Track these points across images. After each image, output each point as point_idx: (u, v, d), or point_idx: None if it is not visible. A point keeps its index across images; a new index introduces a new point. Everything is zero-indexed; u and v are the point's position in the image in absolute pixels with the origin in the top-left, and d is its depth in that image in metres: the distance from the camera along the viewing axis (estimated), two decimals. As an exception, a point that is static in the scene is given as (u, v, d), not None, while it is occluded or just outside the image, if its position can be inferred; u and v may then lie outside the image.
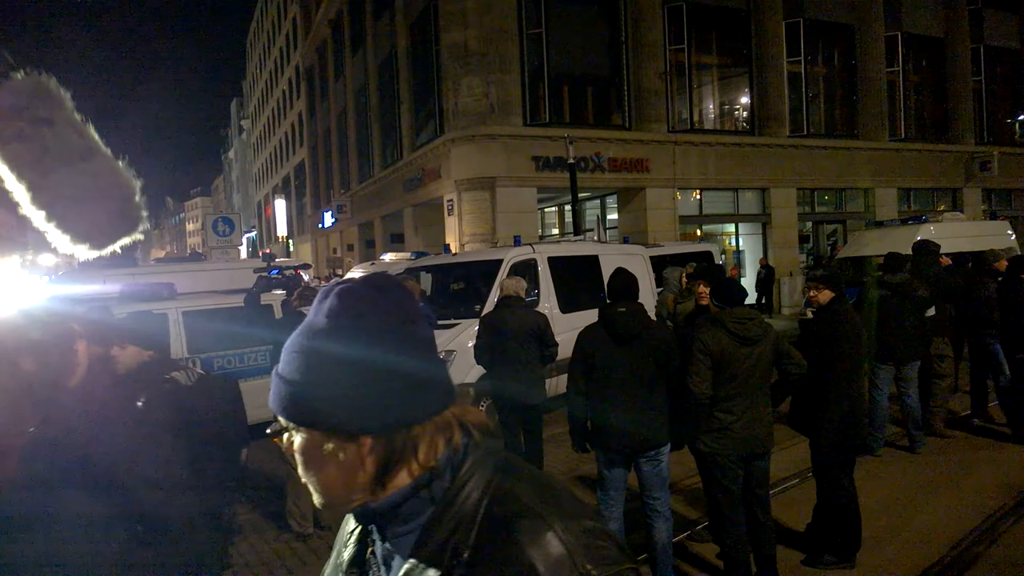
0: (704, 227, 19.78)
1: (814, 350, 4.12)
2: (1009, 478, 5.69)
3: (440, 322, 8.03)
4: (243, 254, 29.47)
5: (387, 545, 0.93)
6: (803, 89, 20.33)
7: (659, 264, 11.07)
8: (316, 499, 0.94)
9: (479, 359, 5.77)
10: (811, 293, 4.42)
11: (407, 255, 13.66)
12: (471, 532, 0.84)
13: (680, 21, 18.32)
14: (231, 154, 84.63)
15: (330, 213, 29.07)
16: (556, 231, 21.66)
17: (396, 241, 22.17)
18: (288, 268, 10.31)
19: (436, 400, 0.91)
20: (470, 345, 6.29)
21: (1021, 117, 24.66)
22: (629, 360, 3.87)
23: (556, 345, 5.77)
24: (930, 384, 6.98)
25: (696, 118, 19.34)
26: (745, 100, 20.08)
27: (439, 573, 0.84)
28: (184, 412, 2.00)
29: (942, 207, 21.71)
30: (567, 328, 7.50)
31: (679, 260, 12.95)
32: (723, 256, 18.73)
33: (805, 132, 20.16)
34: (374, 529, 0.97)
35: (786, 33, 19.68)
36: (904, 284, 6.95)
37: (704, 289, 4.65)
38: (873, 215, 20.19)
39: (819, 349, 4.12)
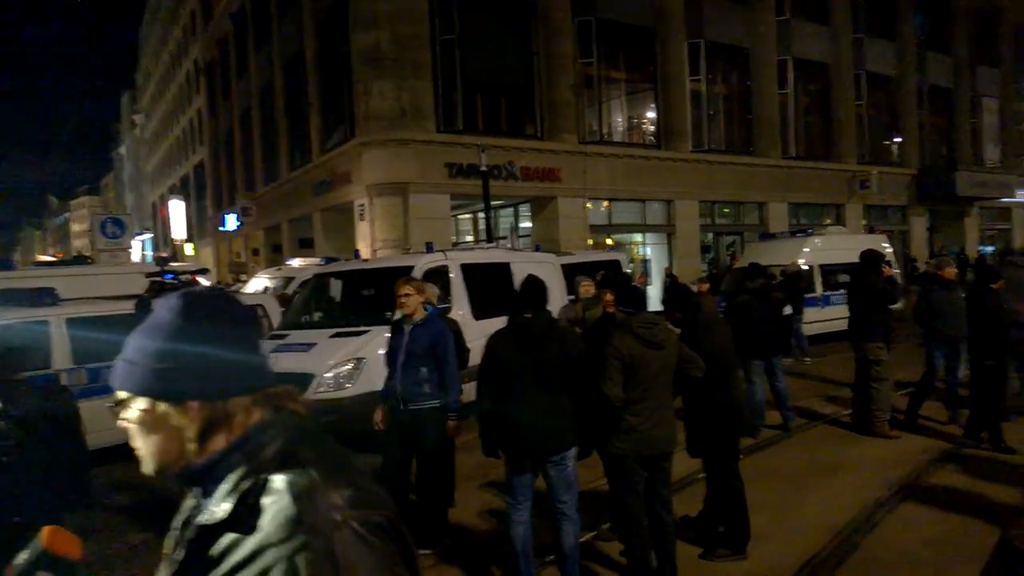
0: (613, 236, 20.37)
1: (697, 350, 4.36)
2: (887, 470, 6.15)
3: (350, 329, 7.94)
4: (136, 257, 27.90)
5: (202, 500, 1.11)
6: (704, 107, 21.35)
7: (571, 272, 11.36)
8: (147, 467, 1.14)
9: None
10: (701, 292, 4.71)
11: (316, 260, 13.37)
12: (258, 482, 1.03)
13: (589, 36, 18.85)
14: (122, 150, 79.90)
15: (234, 216, 27.98)
16: (470, 238, 21.74)
17: (305, 246, 21.60)
18: (184, 273, 9.88)
19: (250, 379, 1.14)
20: (380, 352, 6.24)
21: (898, 140, 26.80)
22: (536, 366, 3.89)
23: (467, 351, 5.81)
24: (868, 389, 7.31)
25: (605, 130, 19.93)
26: (651, 115, 20.86)
27: (228, 514, 1.02)
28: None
29: (828, 221, 23.26)
30: (480, 334, 7.52)
31: (589, 268, 13.25)
32: (631, 265, 19.39)
33: (706, 148, 21.14)
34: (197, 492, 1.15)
35: (688, 53, 20.62)
36: (761, 289, 7.79)
37: (610, 297, 4.85)
38: (767, 227, 21.38)
39: (699, 349, 4.36)
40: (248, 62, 26.78)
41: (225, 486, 1.06)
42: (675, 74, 20.28)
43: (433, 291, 5.75)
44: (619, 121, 20.84)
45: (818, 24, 23.96)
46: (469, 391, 7.71)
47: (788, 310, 8.65)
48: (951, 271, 7.91)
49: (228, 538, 1.01)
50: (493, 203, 19.84)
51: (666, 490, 4.16)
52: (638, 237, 21.23)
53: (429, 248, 9.29)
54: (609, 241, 20.20)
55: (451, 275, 8.70)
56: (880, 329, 7.30)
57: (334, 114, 19.11)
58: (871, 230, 19.54)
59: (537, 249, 13.82)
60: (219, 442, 1.10)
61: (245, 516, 1.01)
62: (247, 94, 27.33)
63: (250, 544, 0.98)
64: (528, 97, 18.42)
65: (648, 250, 21.31)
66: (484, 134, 16.88)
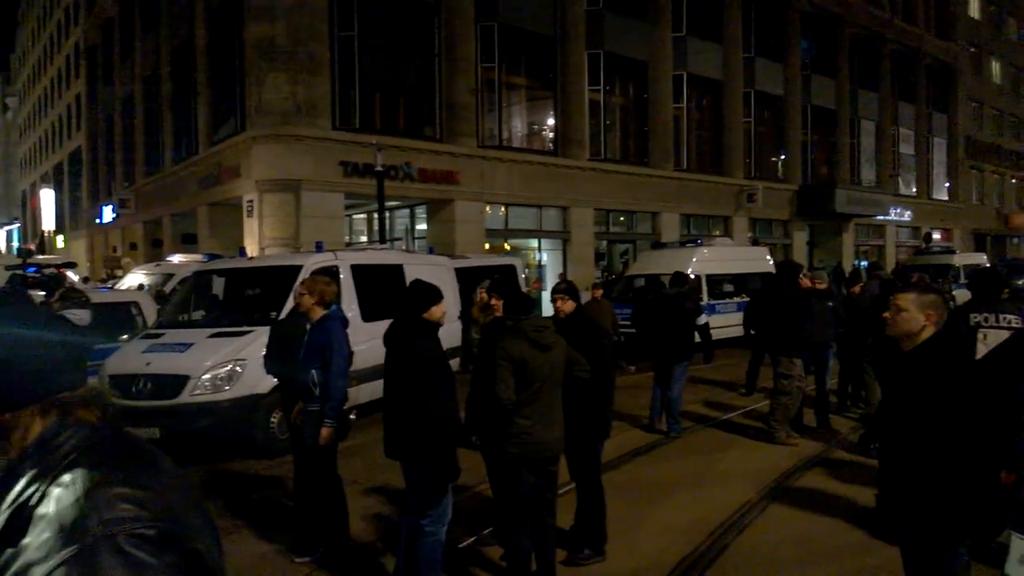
0: (510, 241, 20.46)
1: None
2: (762, 473, 6.44)
3: (231, 329, 7.55)
4: (0, 247, 25.49)
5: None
6: (602, 117, 21.86)
7: (466, 275, 11.29)
8: None
9: (268, 368, 5.48)
10: (557, 304, 4.74)
11: (198, 257, 12.67)
12: (50, 475, 1.05)
13: (492, 41, 18.89)
14: (-10, 134, 73.20)
15: (111, 208, 26.17)
16: (365, 238, 21.27)
17: (188, 242, 20.46)
18: (49, 267, 9.12)
19: (36, 388, 1.13)
20: (262, 354, 5.95)
21: (783, 157, 28.40)
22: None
23: (352, 353, 5.59)
24: (772, 398, 7.59)
25: (505, 135, 20.02)
26: (550, 122, 21.13)
27: (20, 501, 1.04)
28: None
29: (717, 232, 24.33)
30: (370, 336, 7.37)
31: (485, 272, 13.28)
32: (527, 270, 19.54)
33: (602, 157, 21.64)
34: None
35: (588, 63, 21.04)
36: (675, 298, 8.03)
37: (497, 302, 4.83)
38: (660, 237, 22.10)
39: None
40: (133, 47, 25.17)
41: (9, 498, 1.05)
42: (575, 83, 20.65)
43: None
44: (518, 127, 21.00)
45: (712, 42, 25.04)
46: (357, 394, 7.56)
47: (704, 319, 9.08)
48: (821, 283, 8.50)
49: (7, 553, 1.01)
50: (390, 204, 19.53)
51: (551, 494, 4.18)
52: (534, 242, 21.44)
53: (319, 247, 8.98)
54: (507, 247, 20.30)
55: (341, 276, 8.41)
56: (792, 341, 7.43)
57: (224, 105, 18.24)
58: (755, 242, 20.60)
59: (431, 252, 13.66)
60: (28, 437, 1.12)
61: (16, 530, 1.01)
62: (131, 80, 25.66)
63: (19, 560, 0.98)
64: (428, 98, 18.23)
65: (544, 256, 21.56)
66: (382, 133, 16.55)
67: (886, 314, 2.99)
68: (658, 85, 22.98)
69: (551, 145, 21.01)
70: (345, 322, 4.90)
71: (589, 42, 20.97)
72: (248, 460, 7.12)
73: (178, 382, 6.95)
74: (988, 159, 40.43)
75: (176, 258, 13.42)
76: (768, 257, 17.00)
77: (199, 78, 19.25)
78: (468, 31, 18.37)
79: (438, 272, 10.32)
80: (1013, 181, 43.43)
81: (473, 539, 4.91)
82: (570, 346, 4.32)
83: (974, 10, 39.96)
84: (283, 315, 6.74)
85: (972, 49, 39.29)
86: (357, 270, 8.71)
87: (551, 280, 20.87)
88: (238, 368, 6.97)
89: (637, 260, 18.90)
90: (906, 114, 34.11)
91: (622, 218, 23.35)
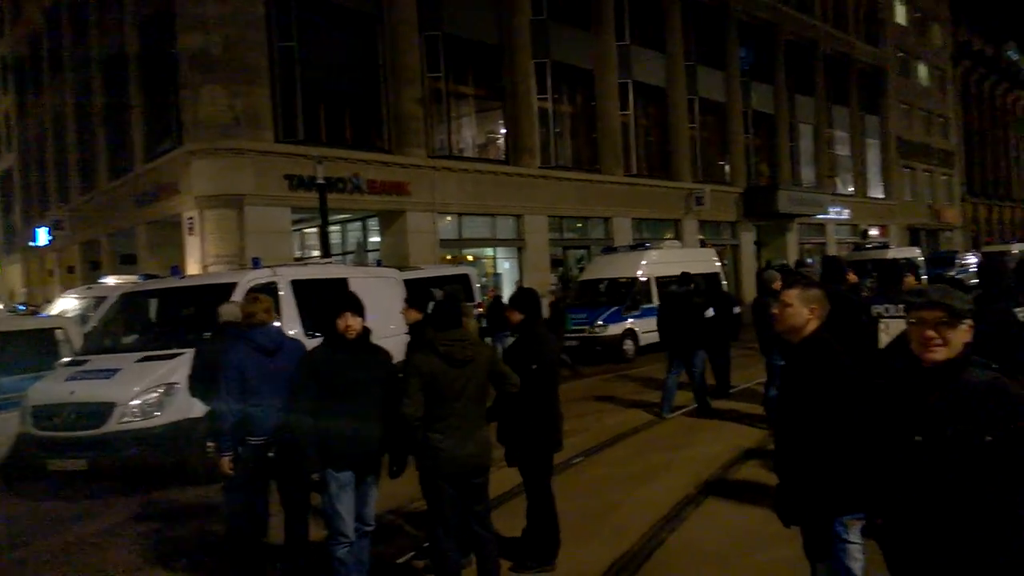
0: (465, 251, 20.31)
1: (514, 367, 4.28)
2: (699, 471, 6.48)
3: (161, 352, 7.21)
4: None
5: None
6: (551, 125, 21.91)
7: (418, 286, 11.09)
8: None
9: (193, 391, 5.24)
10: (508, 314, 4.67)
11: (134, 278, 12.16)
12: None
13: (437, 51, 18.75)
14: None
15: (45, 229, 25.13)
16: (317, 253, 20.85)
17: (127, 262, 19.71)
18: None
19: None
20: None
21: (727, 161, 28.92)
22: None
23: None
24: None
25: (455, 145, 19.88)
26: (501, 131, 21.09)
27: None
28: None
29: (668, 235, 24.58)
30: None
31: (438, 283, 13.12)
32: (483, 279, 19.42)
33: (553, 164, 21.68)
34: None
35: (535, 72, 21.07)
36: (684, 295, 9.09)
37: (414, 315, 4.74)
38: (613, 241, 22.22)
39: (515, 366, 4.29)
40: (63, 59, 24.21)
41: None
42: (523, 92, 20.64)
43: (233, 309, 5.22)
44: (469, 136, 20.90)
45: (656, 51, 25.41)
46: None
47: (710, 312, 9.64)
48: (777, 284, 8.61)
49: None
50: (341, 217, 19.27)
51: (481, 507, 4.10)
52: (489, 251, 21.34)
53: (256, 263, 8.68)
54: (470, 258, 20.18)
55: (281, 292, 8.14)
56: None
57: (160, 119, 17.67)
58: (703, 244, 20.89)
59: (378, 264, 13.43)
60: None
61: None
62: (62, 95, 24.70)
63: None
64: (375, 109, 17.98)
65: (499, 264, 21.47)
66: (328, 145, 16.26)
67: (774, 309, 3.07)
68: (605, 93, 23.17)
69: (502, 154, 20.95)
70: (271, 343, 4.55)
71: (535, 51, 21.00)
72: (187, 488, 6.80)
73: (104, 410, 6.65)
74: (918, 158, 41.96)
75: (111, 280, 12.84)
76: (715, 258, 17.21)
77: (132, 91, 18.64)
78: (412, 41, 18.18)
79: (386, 284, 10.14)
80: (943, 178, 45.15)
81: (412, 554, 4.88)
82: (516, 360, 4.28)
83: (900, 16, 41.53)
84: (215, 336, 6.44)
85: (900, 54, 40.80)
86: (298, 285, 8.44)
87: (508, 288, 20.81)
88: (168, 393, 6.66)
89: (590, 265, 18.94)
90: (840, 117, 35.18)
91: (579, 224, 23.46)
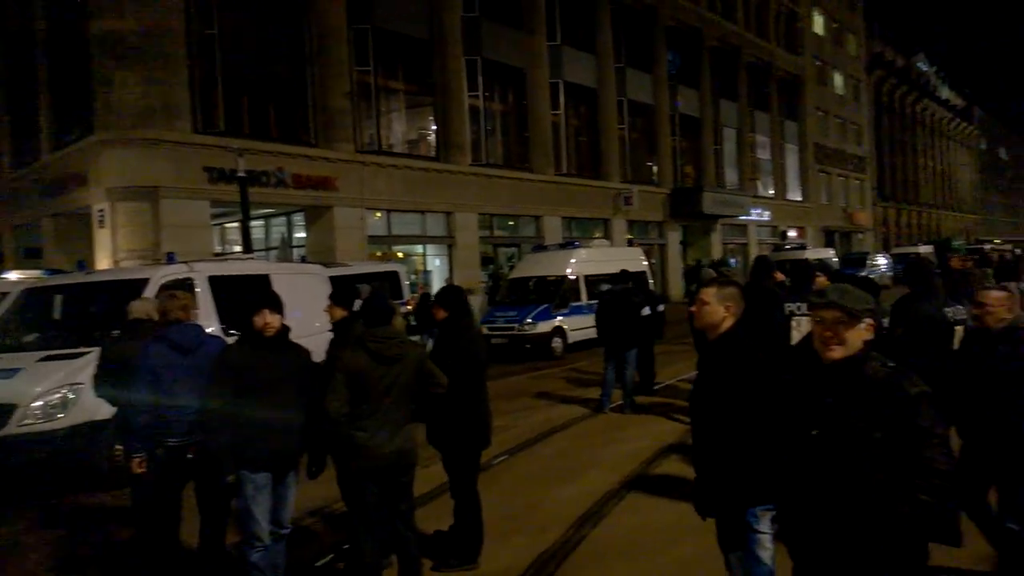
0: (394, 248, 20.07)
1: (440, 364, 4.26)
2: (622, 466, 6.58)
3: (65, 351, 6.81)
4: None
5: None
6: (483, 122, 21.90)
7: (346, 284, 10.86)
8: None
9: (99, 392, 4.99)
10: (434, 311, 4.67)
11: (37, 273, 11.46)
12: None
13: (366, 44, 18.45)
14: None
15: (-59, 221, 23.40)
16: (239, 248, 20.18)
17: (33, 256, 18.58)
18: None
19: None
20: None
21: (655, 162, 29.58)
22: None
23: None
24: None
25: (385, 141, 19.62)
26: (431, 127, 20.93)
27: None
28: None
29: (598, 234, 24.97)
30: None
31: (365, 280, 12.89)
32: (413, 276, 19.23)
33: (484, 162, 21.68)
34: None
35: (467, 69, 21.00)
36: (623, 293, 9.34)
37: (338, 312, 4.64)
38: (544, 240, 22.39)
39: (441, 363, 4.27)
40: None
41: None
42: (454, 89, 20.54)
43: (144, 306, 5.01)
44: (398, 132, 20.66)
45: (586, 52, 25.74)
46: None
47: (647, 311, 9.87)
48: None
49: None
50: (265, 211, 18.73)
51: (405, 505, 4.07)
52: (419, 249, 21.16)
53: (170, 259, 8.31)
54: (400, 255, 19.92)
55: (197, 289, 7.81)
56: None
57: (69, 106, 16.70)
58: (630, 243, 21.31)
59: (303, 260, 13.11)
60: None
61: None
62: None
63: None
64: (301, 102, 17.53)
65: (429, 261, 21.32)
66: (251, 138, 15.77)
67: (692, 307, 3.15)
68: (536, 92, 23.32)
69: (433, 151, 20.80)
70: (188, 341, 4.37)
71: (467, 48, 20.94)
72: (95, 493, 6.46)
73: (4, 412, 6.23)
74: (834, 163, 44.12)
75: (12, 275, 12.06)
76: (642, 258, 17.57)
77: (40, 76, 17.57)
78: (340, 34, 17.82)
79: (309, 281, 9.88)
80: (856, 182, 47.60)
81: (331, 556, 4.79)
82: (441, 358, 4.28)
83: (818, 27, 43.52)
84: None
85: (818, 63, 42.76)
86: (216, 282, 8.12)
87: (438, 286, 20.68)
88: (72, 394, 6.30)
89: (519, 263, 19.02)
90: (762, 122, 36.63)
91: (510, 222, 23.53)
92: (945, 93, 68.32)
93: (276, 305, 3.97)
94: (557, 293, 15.23)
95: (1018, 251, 27.84)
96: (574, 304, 15.25)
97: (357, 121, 18.32)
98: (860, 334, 2.42)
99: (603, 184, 25.99)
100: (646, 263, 17.32)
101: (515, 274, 17.51)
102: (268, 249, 19.49)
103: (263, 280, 8.96)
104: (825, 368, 2.46)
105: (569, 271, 15.64)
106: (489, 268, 22.67)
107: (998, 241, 48.77)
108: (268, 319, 3.89)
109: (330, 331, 5.03)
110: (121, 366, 4.70)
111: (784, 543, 2.60)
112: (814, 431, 2.42)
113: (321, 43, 17.48)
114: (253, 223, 16.27)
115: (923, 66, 62.84)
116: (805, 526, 2.47)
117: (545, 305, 14.92)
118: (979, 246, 44.08)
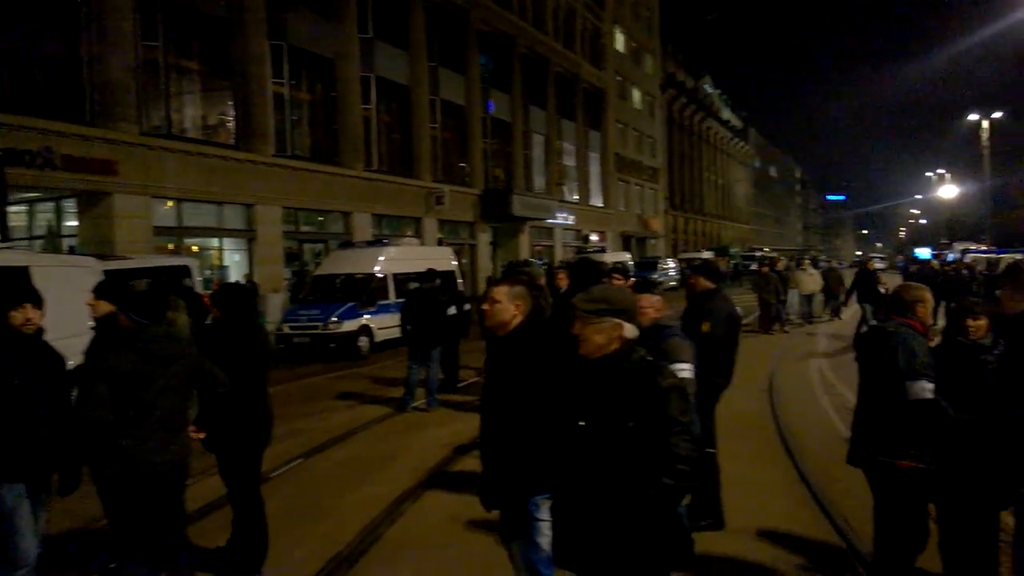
0: (188, 240, 18.51)
1: (217, 363, 4.04)
2: (420, 465, 6.65)
3: None
4: None
5: None
6: (287, 112, 20.91)
7: (127, 278, 9.88)
8: None
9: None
10: (211, 310, 4.43)
11: None
12: None
13: (154, 18, 16.85)
14: None
15: None
16: (-6, 238, 17.48)
17: None
18: None
19: None
20: None
21: (466, 163, 30.09)
22: None
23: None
24: None
25: (176, 124, 18.04)
26: (230, 113, 19.57)
27: None
28: None
29: (409, 233, 24.88)
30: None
31: (151, 274, 11.82)
32: (208, 271, 17.88)
33: (290, 153, 20.73)
34: None
35: (271, 54, 19.93)
36: (430, 291, 9.51)
37: (105, 307, 4.21)
38: (352, 236, 21.86)
39: (218, 363, 4.06)
40: None
41: None
42: (256, 74, 19.36)
43: None
44: (193, 116, 19.08)
45: (399, 48, 25.52)
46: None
47: (452, 310, 10.02)
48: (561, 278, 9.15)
49: None
50: (28, 196, 16.41)
51: (177, 519, 3.83)
52: (215, 242, 19.73)
53: None
54: (195, 248, 18.38)
55: (-71, 282, 6.68)
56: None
57: None
58: (440, 243, 21.51)
59: (71, 251, 11.74)
60: None
61: None
62: None
63: None
64: (75, 75, 15.55)
65: (227, 255, 19.95)
66: (10, 112, 13.75)
67: (484, 305, 3.28)
68: (346, 85, 22.69)
69: (232, 138, 19.45)
70: None
71: (271, 32, 19.82)
72: None
73: None
74: (631, 172, 47.93)
75: None
76: (452, 257, 17.81)
77: None
78: (123, 3, 16.06)
79: (79, 275, 8.86)
80: (650, 191, 52.05)
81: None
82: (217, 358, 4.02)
83: (620, 44, 46.93)
84: None
85: (619, 78, 46.13)
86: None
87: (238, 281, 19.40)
88: None
89: (325, 259, 18.43)
90: (568, 130, 38.78)
91: (319, 218, 22.69)
92: (727, 114, 76.84)
93: (38, 300, 3.65)
94: (364, 291, 14.97)
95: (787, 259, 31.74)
96: (382, 302, 15.09)
97: (143, 101, 16.64)
98: (606, 332, 2.59)
99: (415, 183, 25.94)
100: (455, 263, 17.59)
101: (320, 271, 16.96)
102: (32, 238, 17.13)
103: (22, 272, 7.94)
104: (590, 363, 2.65)
105: (377, 269, 15.44)
106: (294, 264, 21.73)
107: (767, 249, 55.78)
108: (31, 315, 3.56)
109: (92, 328, 4.56)
110: None
111: (552, 529, 2.76)
112: (581, 422, 2.59)
113: (100, 12, 15.61)
114: (13, 208, 14.22)
115: (708, 88, 70.13)
116: (571, 512, 2.63)
117: (352, 303, 14.61)
118: (751, 253, 50.12)
